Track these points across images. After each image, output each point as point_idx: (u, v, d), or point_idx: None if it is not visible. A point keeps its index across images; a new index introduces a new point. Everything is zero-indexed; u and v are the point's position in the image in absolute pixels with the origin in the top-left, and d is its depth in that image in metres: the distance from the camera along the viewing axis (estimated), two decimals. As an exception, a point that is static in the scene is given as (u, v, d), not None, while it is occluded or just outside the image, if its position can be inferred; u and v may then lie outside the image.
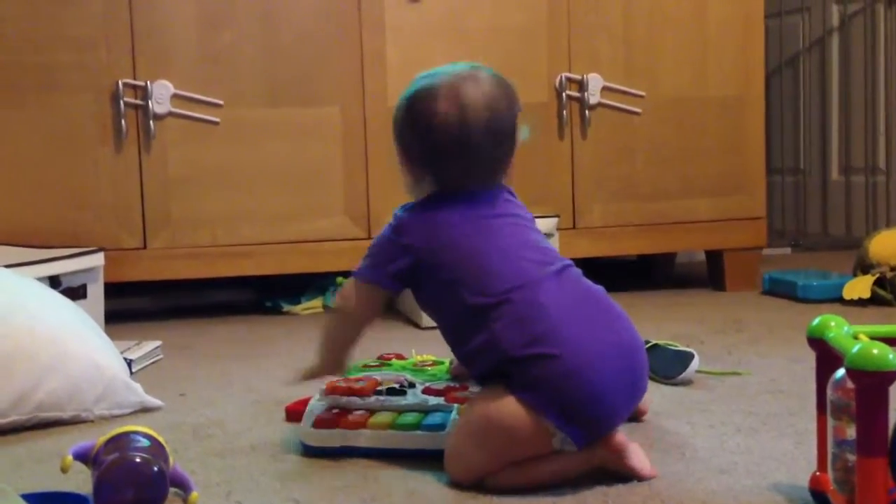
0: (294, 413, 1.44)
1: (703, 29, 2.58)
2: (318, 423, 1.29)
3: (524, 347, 1.13)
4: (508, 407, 1.13)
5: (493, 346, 1.15)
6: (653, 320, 2.24)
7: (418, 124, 1.22)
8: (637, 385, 1.20)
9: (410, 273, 1.22)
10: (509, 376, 1.14)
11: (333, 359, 1.30)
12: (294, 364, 1.81)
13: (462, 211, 1.22)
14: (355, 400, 1.34)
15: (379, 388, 1.38)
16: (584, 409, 1.12)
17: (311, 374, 1.31)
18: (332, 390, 1.35)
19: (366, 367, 1.49)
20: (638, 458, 1.16)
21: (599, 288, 1.23)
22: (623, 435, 1.16)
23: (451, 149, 1.20)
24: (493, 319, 1.15)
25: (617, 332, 1.18)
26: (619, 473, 1.16)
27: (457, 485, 1.15)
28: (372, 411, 1.32)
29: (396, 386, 1.37)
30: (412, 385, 1.37)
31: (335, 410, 1.32)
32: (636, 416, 1.39)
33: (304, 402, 1.39)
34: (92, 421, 1.50)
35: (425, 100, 1.22)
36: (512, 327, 1.14)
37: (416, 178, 1.26)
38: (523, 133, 1.28)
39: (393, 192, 2.46)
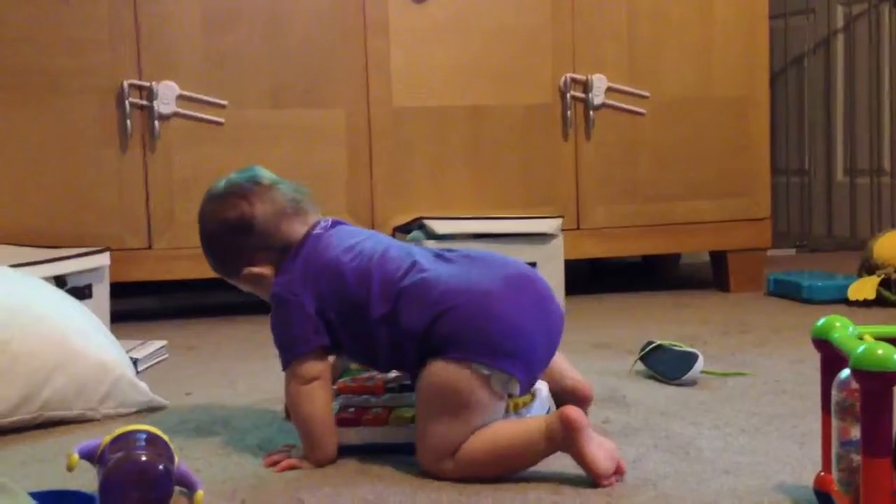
0: None
1: (708, 30, 2.58)
2: (341, 422, 1.29)
3: (426, 316, 1.18)
4: (438, 371, 1.17)
5: (406, 335, 1.20)
6: (657, 321, 2.25)
7: (232, 227, 1.31)
8: (542, 304, 1.22)
9: (322, 320, 1.24)
10: (432, 351, 1.18)
11: (331, 441, 1.25)
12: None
13: (316, 249, 1.28)
14: (369, 398, 1.35)
15: (389, 384, 1.38)
16: (497, 338, 1.16)
17: (315, 465, 1.25)
18: (343, 389, 1.36)
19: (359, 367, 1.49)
20: (595, 446, 1.13)
21: (477, 251, 1.30)
22: (581, 414, 1.14)
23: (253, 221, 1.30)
24: (397, 315, 1.20)
25: (501, 269, 1.23)
26: (583, 469, 1.14)
27: (432, 475, 1.18)
28: (390, 407, 1.32)
29: (407, 381, 1.36)
30: None
31: (352, 409, 1.32)
32: (581, 403, 1.33)
33: None
34: (98, 420, 1.50)
35: (218, 217, 1.33)
36: (411, 310, 1.19)
37: (264, 266, 1.30)
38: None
39: (396, 194, 2.48)
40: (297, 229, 1.31)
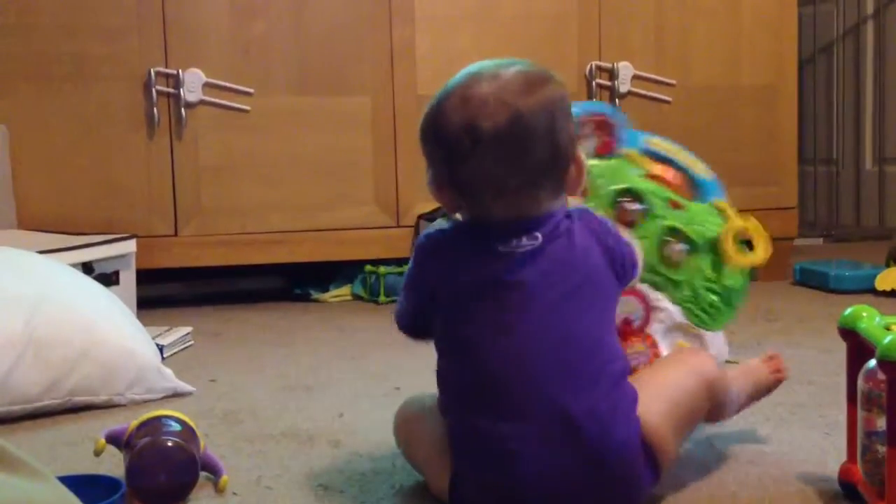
0: None
1: (736, 17, 2.56)
2: None
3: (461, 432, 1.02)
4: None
5: (443, 409, 1.06)
6: (682, 310, 2.23)
7: (427, 141, 1.03)
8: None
9: (429, 310, 1.05)
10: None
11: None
12: (322, 351, 1.82)
13: (478, 259, 1.02)
14: None
15: None
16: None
17: None
18: None
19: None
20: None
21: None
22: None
23: (463, 169, 1.00)
24: (445, 384, 1.05)
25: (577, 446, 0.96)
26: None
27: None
28: None
29: None
30: None
31: None
32: None
33: None
34: (124, 406, 1.51)
35: (431, 111, 1.02)
36: (454, 402, 1.04)
37: (450, 209, 1.07)
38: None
39: (422, 181, 2.46)
40: (494, 208, 1.05)
